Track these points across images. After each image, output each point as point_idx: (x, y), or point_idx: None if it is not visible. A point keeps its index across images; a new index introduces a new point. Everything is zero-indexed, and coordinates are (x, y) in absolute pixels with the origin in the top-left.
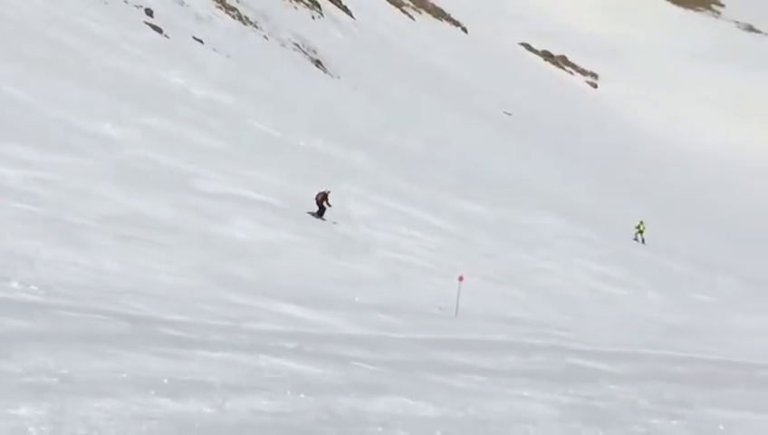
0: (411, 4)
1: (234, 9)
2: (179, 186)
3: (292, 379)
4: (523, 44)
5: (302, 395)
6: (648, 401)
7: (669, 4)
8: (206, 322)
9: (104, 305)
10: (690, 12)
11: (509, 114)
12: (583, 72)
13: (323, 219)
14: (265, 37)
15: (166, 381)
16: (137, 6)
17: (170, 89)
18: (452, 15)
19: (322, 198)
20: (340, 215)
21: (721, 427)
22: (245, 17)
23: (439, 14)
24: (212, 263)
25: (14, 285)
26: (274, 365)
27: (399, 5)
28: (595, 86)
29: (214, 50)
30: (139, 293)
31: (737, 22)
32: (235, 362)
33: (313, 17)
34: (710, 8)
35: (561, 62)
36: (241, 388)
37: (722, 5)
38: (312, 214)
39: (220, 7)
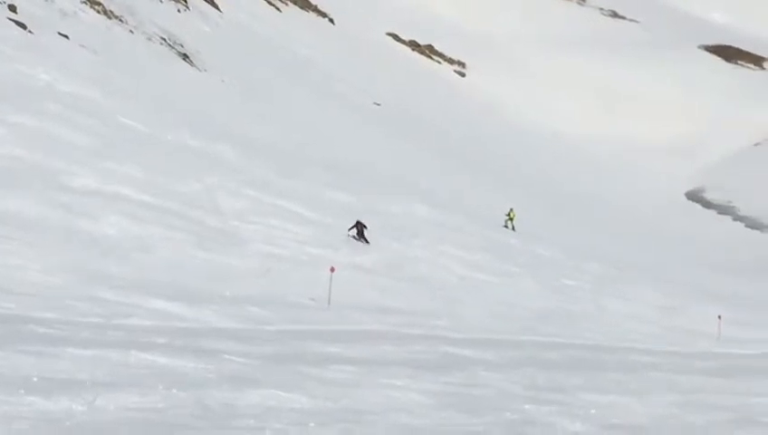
0: None
1: (99, 3)
2: (47, 183)
3: (163, 374)
4: (390, 34)
5: (174, 390)
6: (521, 388)
7: None
8: (76, 319)
9: None
10: None
11: (378, 105)
12: (451, 62)
13: (367, 242)
14: (131, 31)
15: (35, 379)
16: None
17: (36, 85)
18: (318, 6)
19: (361, 227)
20: (210, 209)
21: (593, 411)
22: (111, 11)
23: (306, 4)
24: (81, 259)
25: None
26: (145, 361)
27: None
28: (463, 75)
29: (80, 45)
30: (7, 291)
31: (601, 9)
32: (106, 358)
33: (179, 11)
34: None
35: (428, 51)
36: (112, 384)
37: None
38: (355, 238)
39: (85, 2)
